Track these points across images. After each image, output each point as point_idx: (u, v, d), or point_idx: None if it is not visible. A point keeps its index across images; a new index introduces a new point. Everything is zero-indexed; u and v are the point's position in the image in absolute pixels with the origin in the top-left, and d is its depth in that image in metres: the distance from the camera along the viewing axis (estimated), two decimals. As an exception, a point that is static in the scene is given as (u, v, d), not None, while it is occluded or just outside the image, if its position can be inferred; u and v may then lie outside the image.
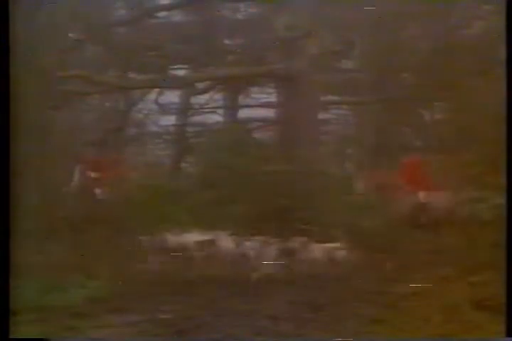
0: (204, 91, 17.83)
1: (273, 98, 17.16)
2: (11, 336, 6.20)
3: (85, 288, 8.37)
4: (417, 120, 15.53)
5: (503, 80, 7.35)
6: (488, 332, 6.35)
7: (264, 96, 18.71)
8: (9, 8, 7.16)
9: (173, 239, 10.15)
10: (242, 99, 19.28)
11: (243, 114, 19.19)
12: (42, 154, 9.80)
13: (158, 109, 19.17)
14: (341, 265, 9.84)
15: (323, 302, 8.15)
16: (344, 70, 17.18)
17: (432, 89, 12.18)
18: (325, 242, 10.18)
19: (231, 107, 19.22)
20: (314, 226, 10.73)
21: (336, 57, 15.51)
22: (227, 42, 17.18)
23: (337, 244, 10.12)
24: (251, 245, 10.10)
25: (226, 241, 10.18)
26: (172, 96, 18.88)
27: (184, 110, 19.48)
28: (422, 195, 12.55)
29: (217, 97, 19.42)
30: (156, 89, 17.91)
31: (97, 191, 12.76)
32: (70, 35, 14.38)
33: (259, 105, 18.83)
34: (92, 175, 12.73)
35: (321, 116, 15.90)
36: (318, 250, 10.02)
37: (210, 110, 19.66)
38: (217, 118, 19.65)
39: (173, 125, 19.71)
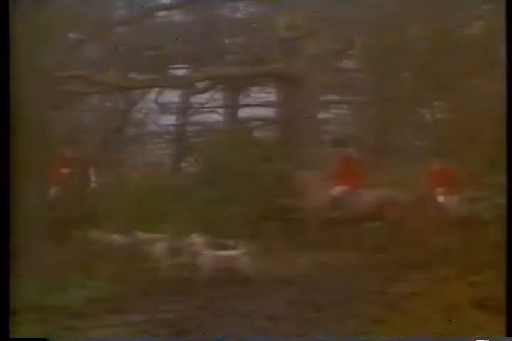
0: (204, 90, 17.85)
1: (273, 97, 17.14)
2: (11, 336, 6.19)
3: (85, 288, 8.36)
4: (417, 120, 15.54)
5: (503, 80, 7.35)
6: (488, 332, 6.33)
7: (264, 95, 18.72)
8: (9, 8, 7.17)
9: None
10: (242, 99, 19.28)
11: (243, 113, 19.20)
12: (42, 154, 9.78)
13: (158, 109, 19.16)
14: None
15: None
16: (344, 70, 17.19)
17: (431, 89, 12.20)
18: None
19: (231, 107, 19.22)
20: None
21: (336, 57, 15.52)
22: (227, 41, 17.18)
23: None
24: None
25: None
26: (172, 96, 18.87)
27: (184, 109, 19.48)
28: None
29: (217, 97, 19.43)
30: (156, 89, 17.90)
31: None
32: (70, 35, 14.38)
33: (260, 104, 18.83)
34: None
35: (321, 115, 15.89)
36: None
37: (210, 109, 19.66)
38: (217, 117, 19.67)
39: (173, 124, 19.72)
